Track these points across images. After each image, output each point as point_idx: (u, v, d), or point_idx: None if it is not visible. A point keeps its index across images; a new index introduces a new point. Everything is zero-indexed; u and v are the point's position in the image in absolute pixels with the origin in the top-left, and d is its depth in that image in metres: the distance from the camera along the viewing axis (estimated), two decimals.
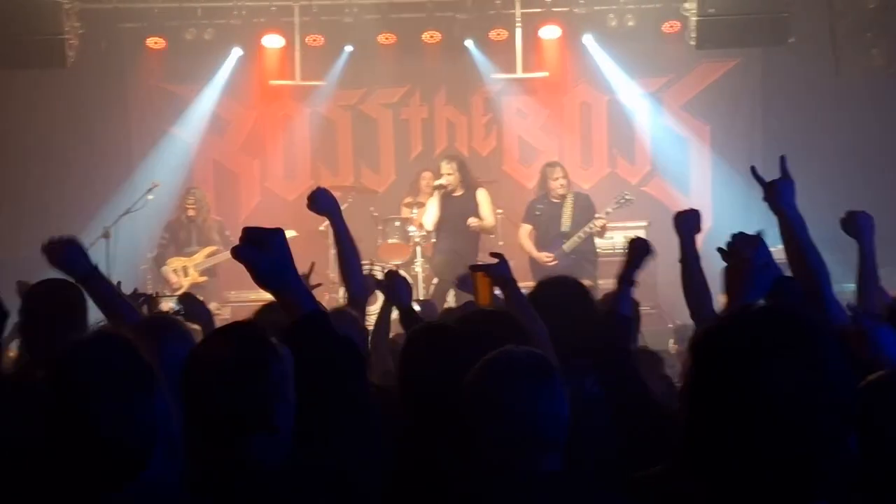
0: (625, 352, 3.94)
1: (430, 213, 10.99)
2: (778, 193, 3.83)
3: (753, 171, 4.00)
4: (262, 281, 2.62)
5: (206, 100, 13.17)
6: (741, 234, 3.48)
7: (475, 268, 4.65)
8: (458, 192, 10.77)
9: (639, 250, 4.26)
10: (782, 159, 3.98)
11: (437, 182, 10.88)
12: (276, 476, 2.53)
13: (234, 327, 2.76)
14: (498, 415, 2.87)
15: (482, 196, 10.84)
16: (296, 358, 2.60)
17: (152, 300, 5.23)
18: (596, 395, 3.76)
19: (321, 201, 4.75)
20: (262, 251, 2.58)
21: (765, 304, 2.03)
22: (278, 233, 2.62)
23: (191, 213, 11.61)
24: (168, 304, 5.27)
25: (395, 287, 4.92)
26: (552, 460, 2.88)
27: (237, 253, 2.59)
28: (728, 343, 1.83)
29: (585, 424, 3.27)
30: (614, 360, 3.86)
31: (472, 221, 10.64)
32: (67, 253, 3.94)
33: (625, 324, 4.08)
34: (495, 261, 4.47)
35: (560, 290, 4.35)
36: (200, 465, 2.45)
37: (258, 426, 2.50)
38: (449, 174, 10.77)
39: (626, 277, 4.17)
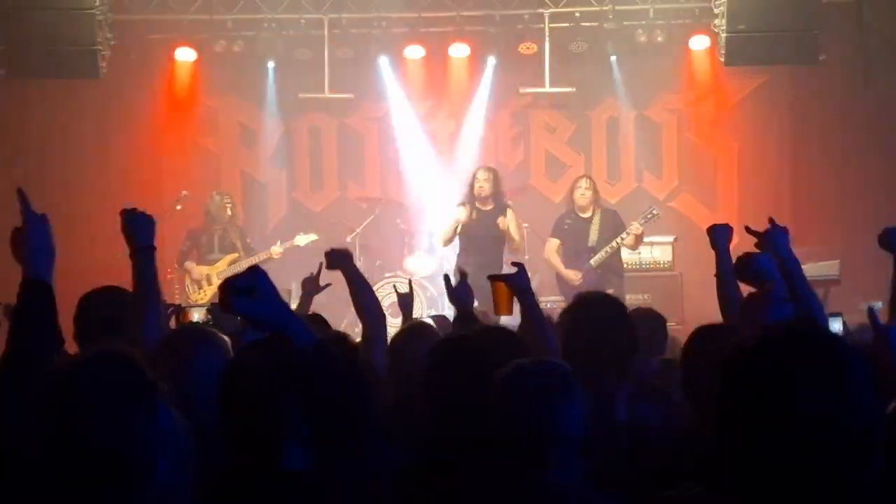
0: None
1: (442, 232, 10.95)
2: (772, 241, 4.16)
3: (748, 229, 4.31)
4: (264, 327, 2.61)
5: (235, 111, 13.26)
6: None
7: (494, 277, 4.66)
8: (488, 207, 10.70)
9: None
10: (771, 220, 4.31)
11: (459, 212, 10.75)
12: (302, 483, 2.59)
13: (271, 341, 2.79)
14: (520, 423, 2.97)
15: (510, 215, 10.79)
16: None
17: (181, 311, 5.23)
18: (625, 422, 3.76)
19: (336, 259, 5.08)
20: (253, 299, 2.53)
21: (793, 324, 2.04)
22: (258, 273, 2.57)
23: (229, 212, 11.58)
24: (198, 315, 5.25)
25: (458, 290, 4.88)
26: (573, 467, 2.97)
27: (231, 307, 2.54)
28: (759, 363, 1.84)
29: (614, 451, 3.32)
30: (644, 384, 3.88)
31: (501, 222, 10.56)
32: (139, 221, 3.98)
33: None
34: (514, 270, 4.50)
35: (598, 308, 4.28)
36: (234, 473, 2.47)
37: (293, 434, 2.56)
38: (486, 180, 10.68)
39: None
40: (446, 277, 5.06)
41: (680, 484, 2.55)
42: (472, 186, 10.71)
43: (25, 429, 2.34)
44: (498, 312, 4.74)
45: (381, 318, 4.91)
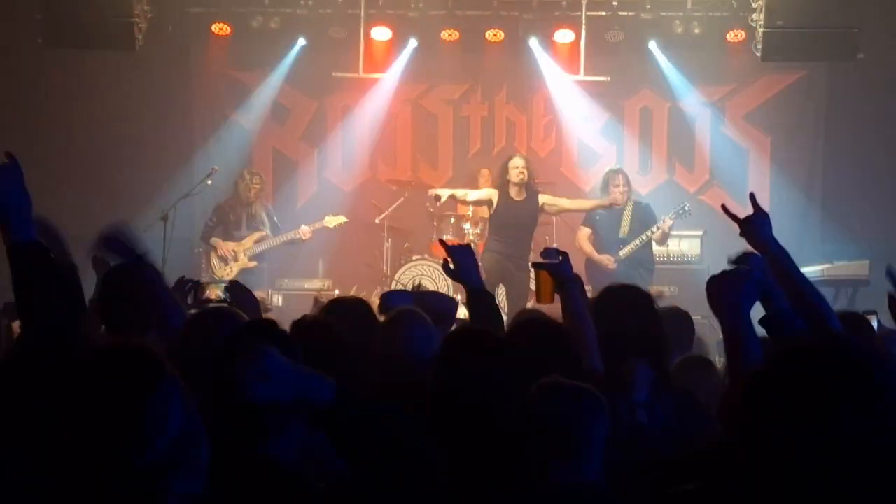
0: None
1: (474, 194, 10.91)
2: (755, 228, 3.60)
3: (724, 208, 3.79)
4: (284, 399, 2.54)
5: (269, 88, 13.26)
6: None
7: (538, 265, 4.59)
8: (521, 197, 10.59)
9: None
10: (752, 196, 3.77)
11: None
12: (294, 471, 2.62)
13: (262, 324, 2.81)
14: (545, 435, 3.06)
15: (546, 196, 10.74)
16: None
17: (199, 287, 5.20)
18: (643, 426, 3.75)
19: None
20: (267, 382, 2.47)
21: (816, 342, 1.95)
22: (268, 355, 2.49)
23: (253, 194, 11.50)
24: (215, 292, 5.23)
25: (462, 262, 4.67)
26: (592, 470, 3.05)
27: (248, 397, 2.47)
28: (782, 390, 1.77)
29: (633, 453, 3.33)
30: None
31: (547, 201, 10.54)
32: (111, 245, 3.89)
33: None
34: (558, 259, 4.43)
35: (625, 299, 4.28)
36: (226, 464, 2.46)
37: (294, 418, 2.59)
38: (525, 167, 10.58)
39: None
40: (445, 262, 4.73)
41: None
42: (505, 173, 10.63)
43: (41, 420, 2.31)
44: (540, 301, 4.71)
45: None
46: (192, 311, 4.41)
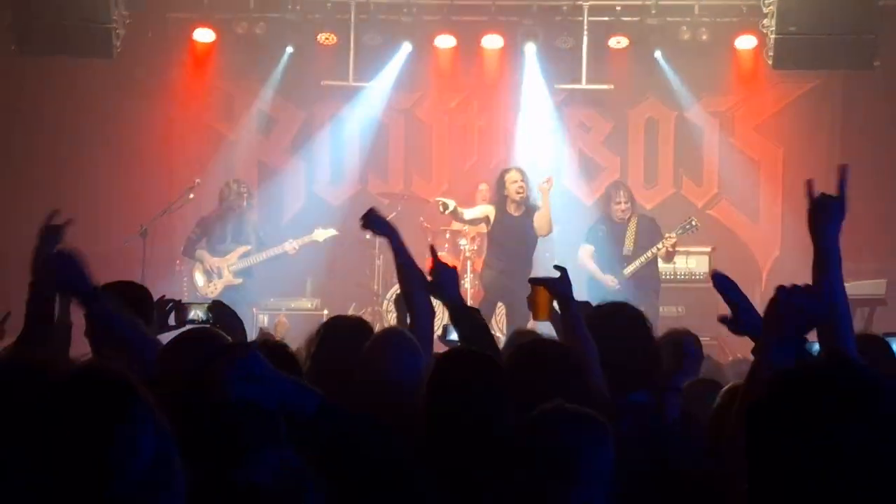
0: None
1: (470, 213, 10.94)
2: (827, 216, 3.40)
3: (809, 183, 3.49)
4: (266, 406, 2.62)
5: (254, 96, 13.36)
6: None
7: (535, 281, 4.62)
8: (519, 212, 10.63)
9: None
10: (842, 170, 3.51)
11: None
12: (271, 497, 2.68)
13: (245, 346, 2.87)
14: (545, 463, 3.07)
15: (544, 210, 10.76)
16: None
17: (180, 307, 5.22)
18: (630, 438, 3.81)
19: (377, 223, 4.88)
20: (250, 383, 2.54)
21: (813, 364, 2.04)
22: (251, 355, 2.57)
23: (244, 203, 11.37)
24: (197, 312, 5.25)
25: (441, 279, 4.61)
26: (595, 501, 3.09)
27: (228, 395, 2.54)
28: (782, 414, 1.83)
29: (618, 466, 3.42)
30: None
31: (536, 217, 10.56)
32: (64, 271, 3.64)
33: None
34: (557, 274, 4.45)
35: (616, 319, 4.33)
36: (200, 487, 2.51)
37: (269, 441, 2.67)
38: (524, 181, 10.62)
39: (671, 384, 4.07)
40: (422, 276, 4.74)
41: None
42: (502, 187, 10.66)
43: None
44: (536, 318, 4.72)
45: (431, 312, 4.70)
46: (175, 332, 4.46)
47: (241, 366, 2.52)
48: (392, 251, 4.75)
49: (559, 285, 4.39)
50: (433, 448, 3.40)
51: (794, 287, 2.97)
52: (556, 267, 4.53)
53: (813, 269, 3.34)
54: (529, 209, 10.55)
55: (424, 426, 3.52)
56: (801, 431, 1.79)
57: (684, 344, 5.46)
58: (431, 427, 3.50)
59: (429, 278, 4.62)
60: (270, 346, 4.01)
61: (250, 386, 2.52)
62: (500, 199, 10.67)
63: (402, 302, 5.25)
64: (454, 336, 5.20)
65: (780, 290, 2.93)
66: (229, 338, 4.08)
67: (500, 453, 3.22)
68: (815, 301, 3.00)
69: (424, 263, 11.59)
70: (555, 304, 4.55)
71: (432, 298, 4.71)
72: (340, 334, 4.56)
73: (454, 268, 4.75)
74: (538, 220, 10.46)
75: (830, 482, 1.75)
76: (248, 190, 11.55)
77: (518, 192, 10.49)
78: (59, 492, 2.12)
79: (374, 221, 4.88)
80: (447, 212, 10.75)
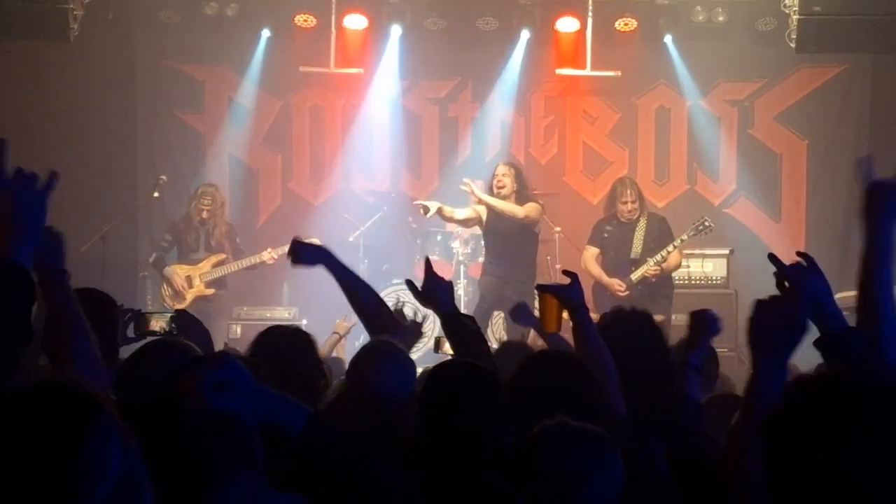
0: (694, 432, 3.88)
1: (461, 212, 10.87)
2: (888, 205, 3.10)
3: (864, 166, 3.21)
4: (248, 420, 2.60)
5: (224, 85, 13.30)
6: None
7: (543, 288, 4.63)
8: None
9: (705, 326, 3.94)
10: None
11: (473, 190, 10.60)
12: None
13: (212, 358, 2.83)
14: (545, 484, 3.08)
15: (530, 206, 10.64)
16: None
17: (141, 318, 5.22)
18: (654, 457, 3.77)
19: (305, 254, 4.93)
20: (230, 393, 2.53)
21: (833, 375, 2.07)
22: (230, 364, 2.56)
23: (204, 214, 11.40)
24: (160, 323, 5.25)
25: (434, 290, 4.77)
26: None
27: (207, 406, 2.52)
28: (802, 429, 1.86)
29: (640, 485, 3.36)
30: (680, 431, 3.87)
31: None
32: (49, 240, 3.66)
33: (695, 408, 3.98)
34: (566, 281, 4.45)
35: (627, 327, 4.34)
36: None
37: (245, 463, 2.61)
38: (505, 175, 10.59)
39: (691, 361, 3.90)
40: (409, 282, 4.96)
41: None
42: (490, 183, 10.68)
43: None
44: (546, 329, 4.73)
45: (395, 325, 4.84)
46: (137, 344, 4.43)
47: (221, 375, 2.50)
48: (331, 274, 4.82)
49: (569, 293, 4.40)
50: (423, 469, 3.39)
51: (770, 300, 2.92)
52: (566, 272, 4.53)
53: (860, 267, 3.13)
54: (522, 203, 10.50)
55: (414, 444, 3.54)
56: (818, 443, 1.82)
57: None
58: (421, 446, 3.51)
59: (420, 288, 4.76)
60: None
61: (230, 398, 2.50)
62: (489, 195, 10.62)
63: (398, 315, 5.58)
64: (448, 348, 5.44)
65: (756, 305, 2.88)
66: (197, 349, 4.05)
67: (497, 475, 3.24)
68: (791, 313, 2.89)
69: (413, 266, 11.53)
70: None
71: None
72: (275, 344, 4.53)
73: (449, 282, 4.88)
74: (510, 217, 10.44)
75: (849, 495, 1.78)
76: (212, 200, 11.43)
77: (498, 187, 10.48)
78: None
79: (302, 255, 4.95)
80: (429, 215, 10.72)
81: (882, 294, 3.10)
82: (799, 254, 3.34)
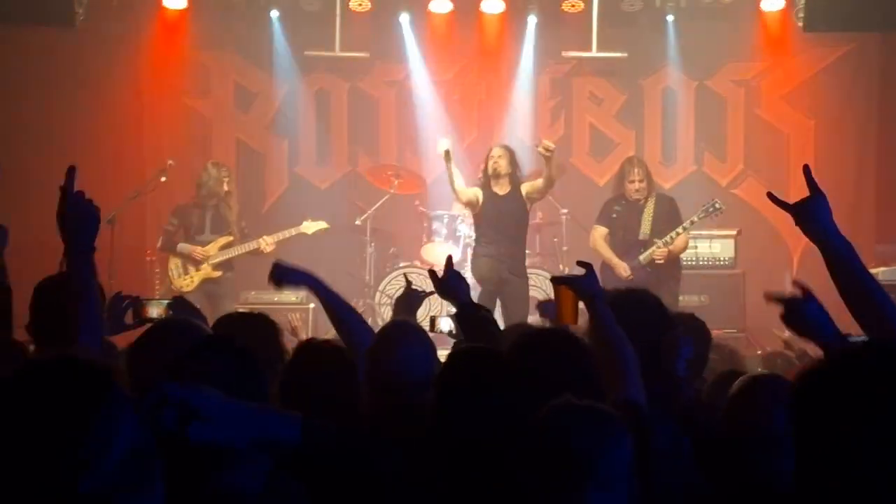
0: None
1: (465, 193, 10.79)
2: (811, 216, 3.39)
3: (771, 196, 3.58)
4: (237, 446, 2.60)
5: (231, 69, 13.30)
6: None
7: (558, 280, 4.55)
8: (504, 191, 10.41)
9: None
10: (806, 170, 3.57)
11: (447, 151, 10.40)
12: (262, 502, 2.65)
13: (221, 341, 2.84)
14: (554, 462, 3.07)
15: (526, 184, 10.58)
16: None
17: (139, 305, 5.26)
18: (665, 451, 3.78)
19: (289, 275, 4.93)
20: (211, 424, 2.49)
21: (862, 346, 2.11)
22: (203, 394, 2.50)
23: (226, 186, 11.25)
24: (157, 310, 5.31)
25: (453, 284, 4.87)
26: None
27: (190, 439, 2.48)
28: (832, 394, 1.89)
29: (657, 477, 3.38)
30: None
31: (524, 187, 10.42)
32: (85, 216, 3.79)
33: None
34: (581, 271, 4.34)
35: (634, 310, 4.29)
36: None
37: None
38: (500, 157, 10.51)
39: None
40: (431, 272, 5.09)
41: None
42: (486, 166, 10.55)
43: None
44: (562, 321, 4.63)
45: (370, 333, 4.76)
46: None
47: (195, 404, 2.42)
48: (315, 297, 4.85)
49: (585, 283, 4.28)
50: (440, 450, 3.41)
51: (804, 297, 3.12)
52: (580, 263, 4.44)
53: (836, 273, 3.29)
54: (517, 187, 10.45)
55: (432, 426, 3.56)
56: (850, 413, 1.85)
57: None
58: (440, 427, 3.52)
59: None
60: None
61: (209, 430, 2.45)
62: (485, 179, 10.53)
63: (402, 303, 5.87)
64: (444, 327, 5.95)
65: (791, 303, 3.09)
66: (207, 329, 4.13)
67: (511, 456, 3.21)
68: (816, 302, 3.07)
69: (420, 249, 11.52)
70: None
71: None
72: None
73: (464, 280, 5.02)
74: (530, 186, 10.37)
75: (879, 465, 1.83)
76: (229, 174, 11.45)
77: (494, 168, 10.42)
78: (26, 483, 2.07)
79: (286, 276, 4.94)
80: (440, 149, 10.49)
81: (871, 287, 3.24)
82: (795, 282, 3.39)
